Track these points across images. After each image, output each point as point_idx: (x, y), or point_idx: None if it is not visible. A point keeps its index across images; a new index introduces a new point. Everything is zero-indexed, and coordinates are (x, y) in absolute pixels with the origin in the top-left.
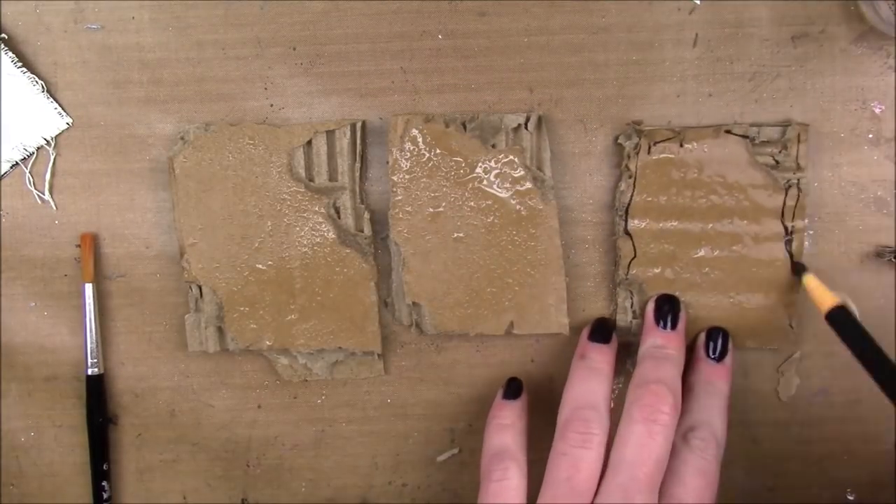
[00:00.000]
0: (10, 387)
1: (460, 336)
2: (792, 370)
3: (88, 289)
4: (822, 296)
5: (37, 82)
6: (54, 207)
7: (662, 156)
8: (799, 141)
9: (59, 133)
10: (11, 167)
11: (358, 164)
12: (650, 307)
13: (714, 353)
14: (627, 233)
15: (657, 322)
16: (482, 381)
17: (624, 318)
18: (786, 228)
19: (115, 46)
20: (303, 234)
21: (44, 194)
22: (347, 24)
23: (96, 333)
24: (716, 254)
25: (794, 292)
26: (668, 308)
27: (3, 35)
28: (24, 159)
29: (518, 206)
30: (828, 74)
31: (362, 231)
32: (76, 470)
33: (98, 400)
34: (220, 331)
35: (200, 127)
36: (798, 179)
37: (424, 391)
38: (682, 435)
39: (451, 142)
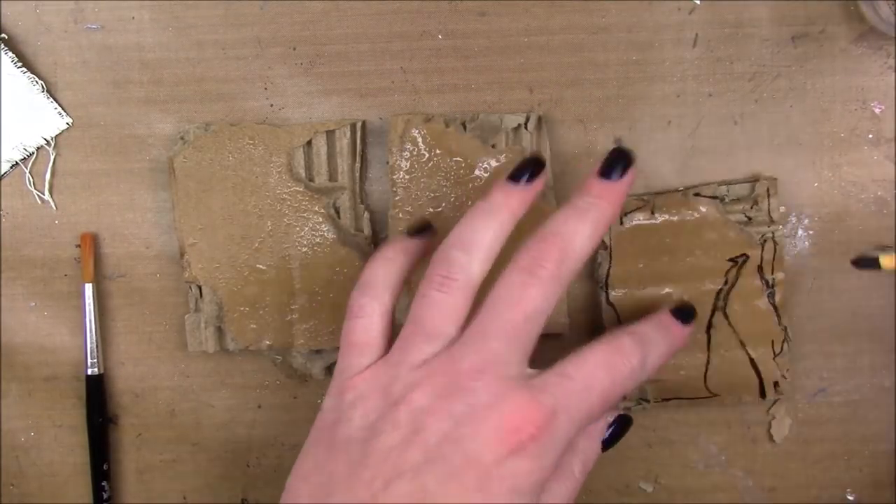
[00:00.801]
0: (10, 387)
1: None
2: (782, 411)
3: (88, 289)
4: None
5: (37, 82)
6: (54, 207)
7: (635, 223)
8: (769, 195)
9: (59, 133)
10: (11, 167)
11: (358, 164)
12: (603, 161)
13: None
14: (610, 303)
15: (601, 173)
16: None
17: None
18: (766, 282)
19: (115, 46)
20: (303, 234)
21: (44, 194)
22: (347, 24)
23: (96, 333)
24: (700, 314)
25: (782, 343)
26: (620, 160)
27: (3, 35)
28: (24, 159)
29: None
30: (828, 74)
31: (362, 231)
32: (76, 470)
33: (98, 400)
34: (220, 331)
35: (200, 127)
36: (773, 233)
37: None
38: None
39: (450, 142)
